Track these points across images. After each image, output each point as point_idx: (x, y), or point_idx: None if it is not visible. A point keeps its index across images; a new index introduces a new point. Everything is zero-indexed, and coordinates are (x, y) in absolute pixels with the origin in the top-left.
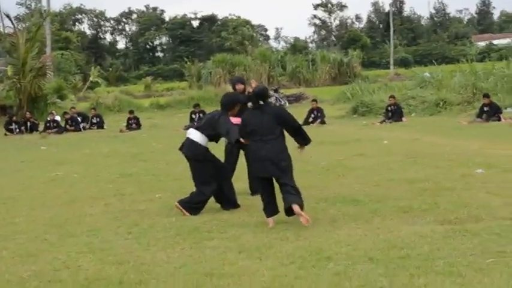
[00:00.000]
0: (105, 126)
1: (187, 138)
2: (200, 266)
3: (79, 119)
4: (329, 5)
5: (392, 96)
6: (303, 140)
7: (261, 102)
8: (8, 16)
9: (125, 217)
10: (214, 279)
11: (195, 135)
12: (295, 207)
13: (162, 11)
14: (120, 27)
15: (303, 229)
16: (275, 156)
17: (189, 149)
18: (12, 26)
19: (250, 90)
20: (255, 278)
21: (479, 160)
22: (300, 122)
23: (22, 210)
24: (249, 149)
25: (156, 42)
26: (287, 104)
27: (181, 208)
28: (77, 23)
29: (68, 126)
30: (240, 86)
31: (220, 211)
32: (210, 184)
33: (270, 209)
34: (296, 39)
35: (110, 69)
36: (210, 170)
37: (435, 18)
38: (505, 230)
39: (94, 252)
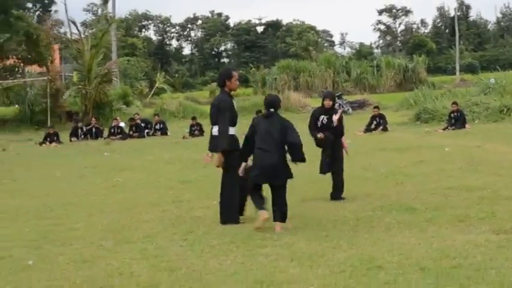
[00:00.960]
0: (168, 133)
1: (210, 136)
2: (251, 274)
3: (143, 125)
4: (393, 10)
5: (455, 103)
6: (295, 155)
7: (272, 110)
8: (73, 22)
9: (181, 224)
10: (264, 286)
11: (215, 130)
12: (277, 227)
13: (227, 17)
14: (185, 33)
15: (356, 238)
16: (277, 166)
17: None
18: (77, 33)
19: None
20: (304, 286)
21: None
22: (362, 128)
23: (81, 216)
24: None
25: (221, 48)
26: (350, 110)
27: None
28: (143, 29)
29: (132, 133)
30: (328, 102)
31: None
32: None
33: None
34: (361, 44)
35: (176, 75)
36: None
37: (502, 23)
38: None
39: (148, 258)
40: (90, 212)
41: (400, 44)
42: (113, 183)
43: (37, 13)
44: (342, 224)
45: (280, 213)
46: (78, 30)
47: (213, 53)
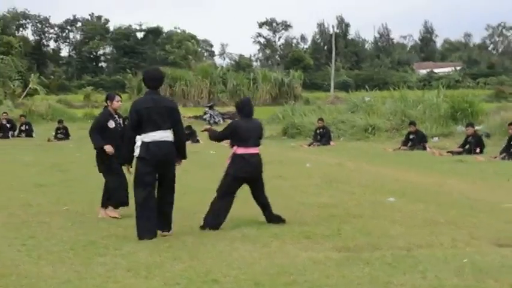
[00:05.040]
0: (34, 135)
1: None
2: (83, 283)
3: (8, 126)
4: (274, 24)
5: (321, 119)
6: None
7: None
8: None
9: (25, 228)
10: None
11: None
12: None
13: (107, 21)
14: (64, 34)
15: (199, 250)
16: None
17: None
18: None
19: None
20: None
21: (394, 188)
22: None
23: None
24: None
25: (100, 52)
26: (222, 121)
27: None
28: (20, 28)
29: None
30: None
31: (121, 226)
32: None
33: None
34: (241, 56)
35: (52, 77)
36: None
37: (379, 43)
38: (398, 260)
39: None
40: None
41: (279, 58)
42: None
43: None
44: (187, 235)
45: None
46: None
47: (91, 56)
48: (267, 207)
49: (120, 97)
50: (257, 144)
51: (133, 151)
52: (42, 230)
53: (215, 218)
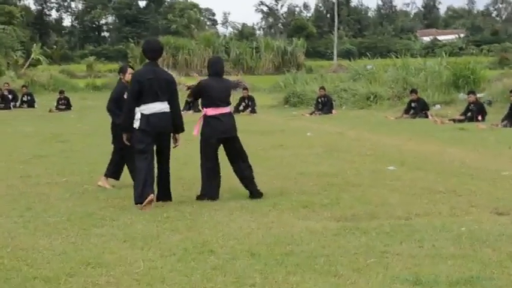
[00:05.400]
0: (35, 105)
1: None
2: (79, 254)
3: (10, 96)
4: None
5: (322, 88)
6: None
7: None
8: None
9: (23, 199)
10: (89, 268)
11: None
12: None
13: None
14: (66, 4)
15: (196, 221)
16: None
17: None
18: None
19: None
20: (130, 268)
21: (395, 156)
22: (231, 109)
23: None
24: None
25: (102, 21)
26: None
27: None
28: None
29: None
30: None
31: (119, 197)
32: None
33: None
34: (244, 25)
35: (55, 46)
36: None
37: (382, 11)
38: (395, 229)
39: None
40: None
41: (282, 27)
42: None
43: None
44: (185, 205)
45: None
46: None
47: (94, 25)
48: (248, 177)
49: (133, 69)
50: (228, 104)
51: (133, 122)
52: (40, 201)
53: (209, 188)
